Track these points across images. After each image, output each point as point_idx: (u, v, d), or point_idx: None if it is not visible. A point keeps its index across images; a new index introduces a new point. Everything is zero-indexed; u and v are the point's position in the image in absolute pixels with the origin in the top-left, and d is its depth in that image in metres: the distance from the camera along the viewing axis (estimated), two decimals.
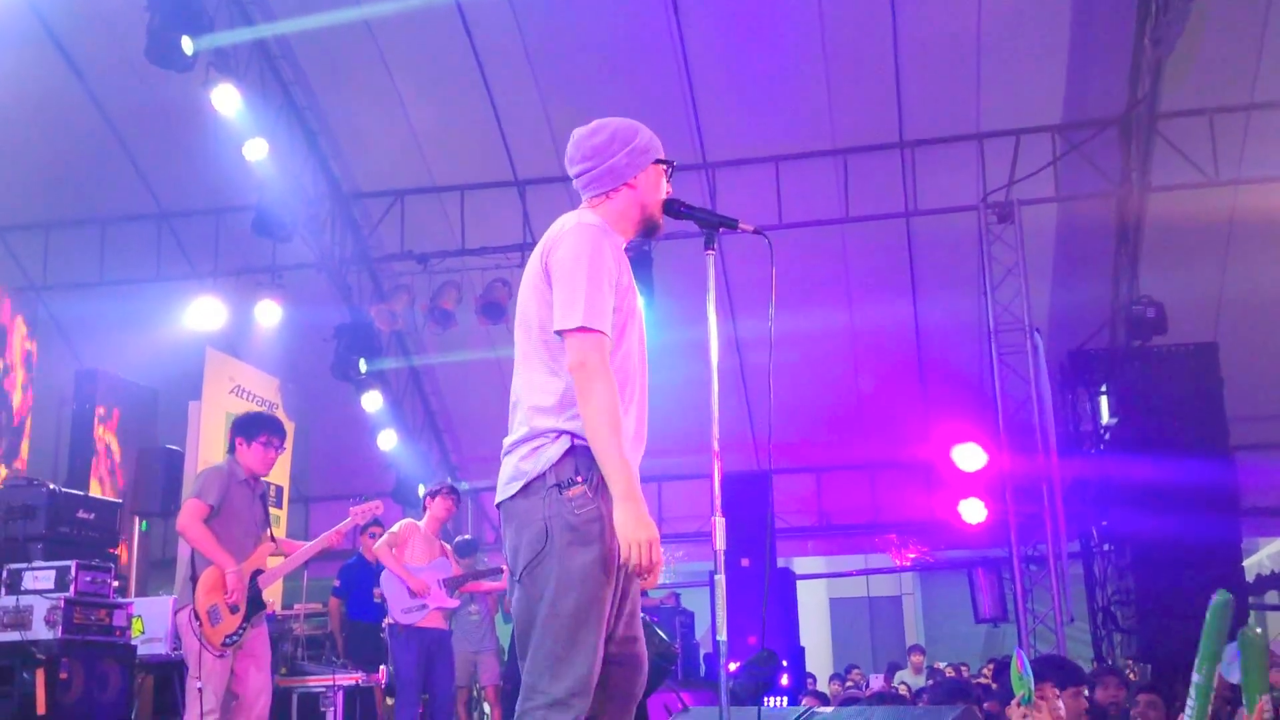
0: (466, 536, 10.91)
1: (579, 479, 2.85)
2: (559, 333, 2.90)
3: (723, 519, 2.85)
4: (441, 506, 7.66)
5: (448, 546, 7.86)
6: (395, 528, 7.62)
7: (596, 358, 2.85)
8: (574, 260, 2.95)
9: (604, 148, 3.13)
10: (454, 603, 7.60)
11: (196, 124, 10.50)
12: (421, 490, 8.15)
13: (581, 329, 2.85)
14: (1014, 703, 4.15)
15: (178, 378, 11.18)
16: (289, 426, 12.00)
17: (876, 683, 14.43)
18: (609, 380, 2.86)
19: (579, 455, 2.87)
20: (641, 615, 3.11)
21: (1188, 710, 3.27)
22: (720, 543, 2.83)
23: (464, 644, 8.86)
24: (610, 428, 2.82)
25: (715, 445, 2.87)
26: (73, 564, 6.35)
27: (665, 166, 3.18)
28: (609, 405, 2.83)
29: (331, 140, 11.76)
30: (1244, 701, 3.38)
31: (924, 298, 12.20)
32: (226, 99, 9.86)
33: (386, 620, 7.57)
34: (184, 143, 11.24)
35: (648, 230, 3.20)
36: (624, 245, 3.14)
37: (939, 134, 11.08)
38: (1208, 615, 3.26)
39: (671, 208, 3.17)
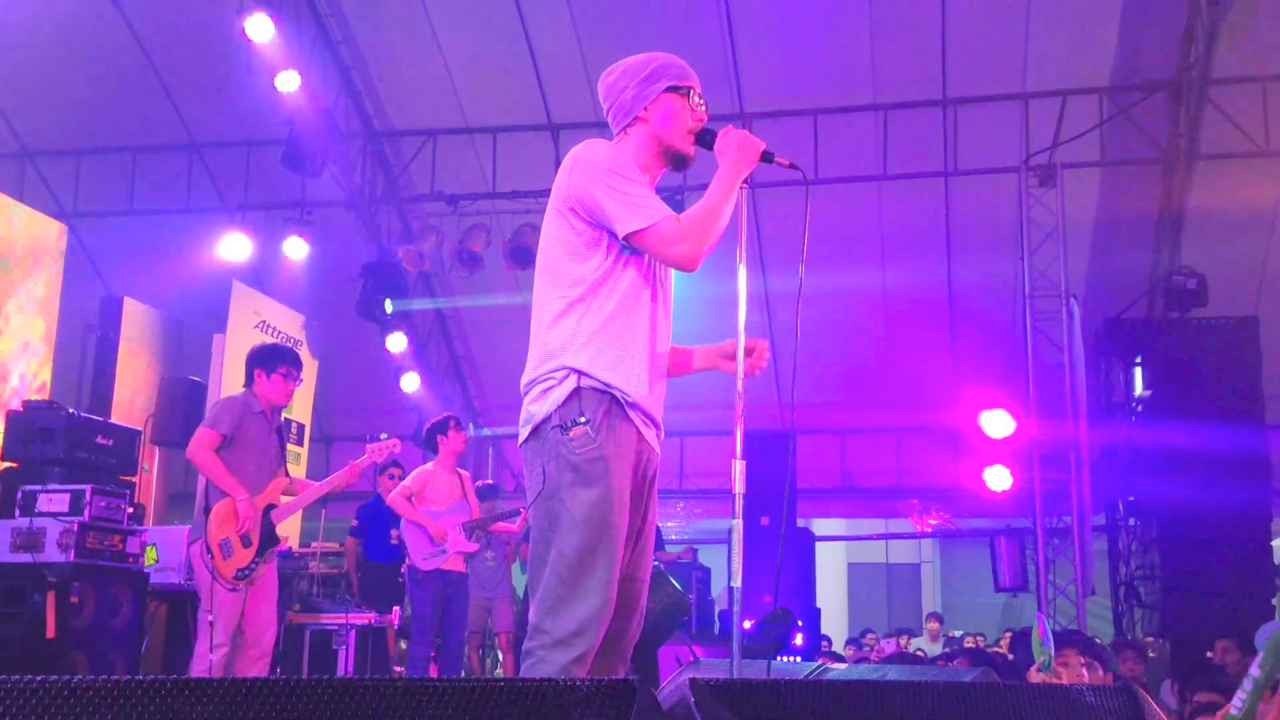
0: (488, 481, 10.88)
1: (582, 419, 2.81)
2: (628, 238, 2.86)
3: (743, 462, 2.75)
4: (457, 440, 7.57)
5: (466, 475, 7.74)
6: (408, 479, 7.55)
7: (671, 233, 2.84)
8: (594, 173, 2.88)
9: (616, 83, 3.09)
10: (473, 546, 7.54)
11: (230, 53, 10.39)
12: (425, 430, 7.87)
13: (641, 230, 2.84)
14: (1033, 669, 4.05)
15: (203, 310, 11.13)
16: (312, 364, 12.02)
17: (890, 648, 14.39)
18: (689, 226, 2.85)
19: (584, 395, 2.83)
20: (656, 564, 3.04)
21: (1237, 701, 3.19)
22: (739, 486, 2.72)
23: (479, 589, 8.83)
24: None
25: (740, 386, 2.76)
26: (87, 488, 6.31)
27: (684, 94, 3.05)
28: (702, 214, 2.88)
29: (365, 76, 11.63)
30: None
31: (959, 260, 11.99)
32: (260, 28, 9.73)
33: (405, 564, 7.54)
34: (217, 72, 11.13)
35: (675, 163, 3.08)
36: (653, 181, 3.03)
37: (983, 93, 10.83)
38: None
39: (702, 138, 3.03)
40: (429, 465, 7.64)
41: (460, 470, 7.67)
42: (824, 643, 12.92)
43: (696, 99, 3.07)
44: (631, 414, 2.87)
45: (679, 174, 3.24)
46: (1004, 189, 10.90)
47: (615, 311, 2.88)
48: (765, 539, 9.06)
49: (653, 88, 3.04)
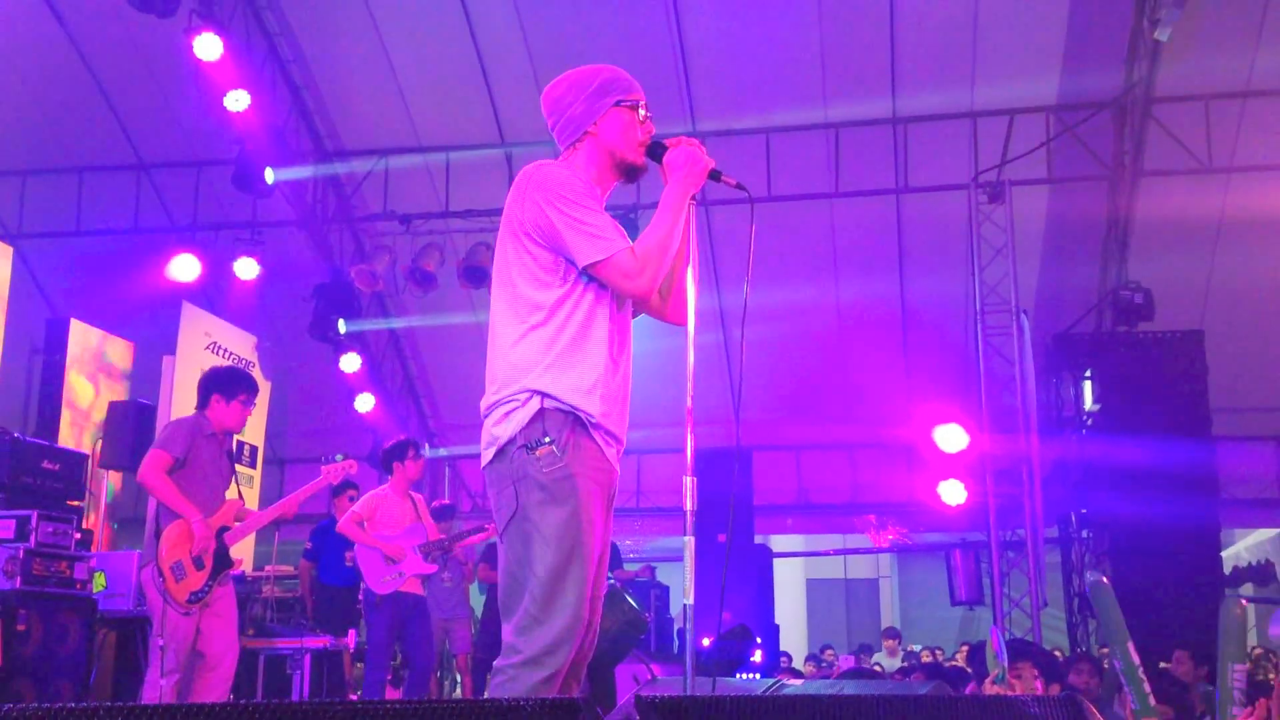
0: (445, 502, 10.80)
1: (547, 439, 2.81)
2: (587, 270, 2.88)
3: (694, 478, 2.75)
4: (414, 467, 7.48)
5: (419, 498, 7.64)
6: (359, 504, 7.45)
7: (628, 266, 2.86)
8: (550, 199, 2.89)
9: (563, 97, 3.08)
10: (431, 568, 7.42)
11: (178, 72, 10.31)
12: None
13: (599, 263, 2.86)
14: (988, 680, 4.07)
15: (153, 332, 11.00)
16: (265, 386, 11.87)
17: (849, 664, 14.43)
18: (644, 259, 2.87)
19: (548, 416, 2.83)
20: (611, 581, 3.04)
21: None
22: (690, 502, 2.73)
23: (436, 611, 8.75)
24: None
25: (689, 401, 2.76)
26: (33, 514, 6.21)
27: (633, 107, 3.06)
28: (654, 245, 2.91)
29: (316, 96, 11.57)
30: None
31: (911, 276, 12.10)
32: (209, 47, 9.65)
33: (363, 589, 7.43)
34: (165, 92, 11.05)
35: (625, 175, 3.09)
36: (603, 195, 3.04)
37: (932, 111, 10.95)
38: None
39: (652, 151, 3.04)
40: (381, 489, 7.52)
41: (413, 494, 7.58)
42: (784, 659, 12.93)
43: (644, 112, 3.08)
44: (595, 434, 2.88)
45: (631, 187, 3.25)
46: (954, 206, 11.02)
47: (577, 333, 2.89)
48: (721, 556, 9.07)
49: (602, 102, 3.04)
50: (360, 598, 7.71)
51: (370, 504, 7.36)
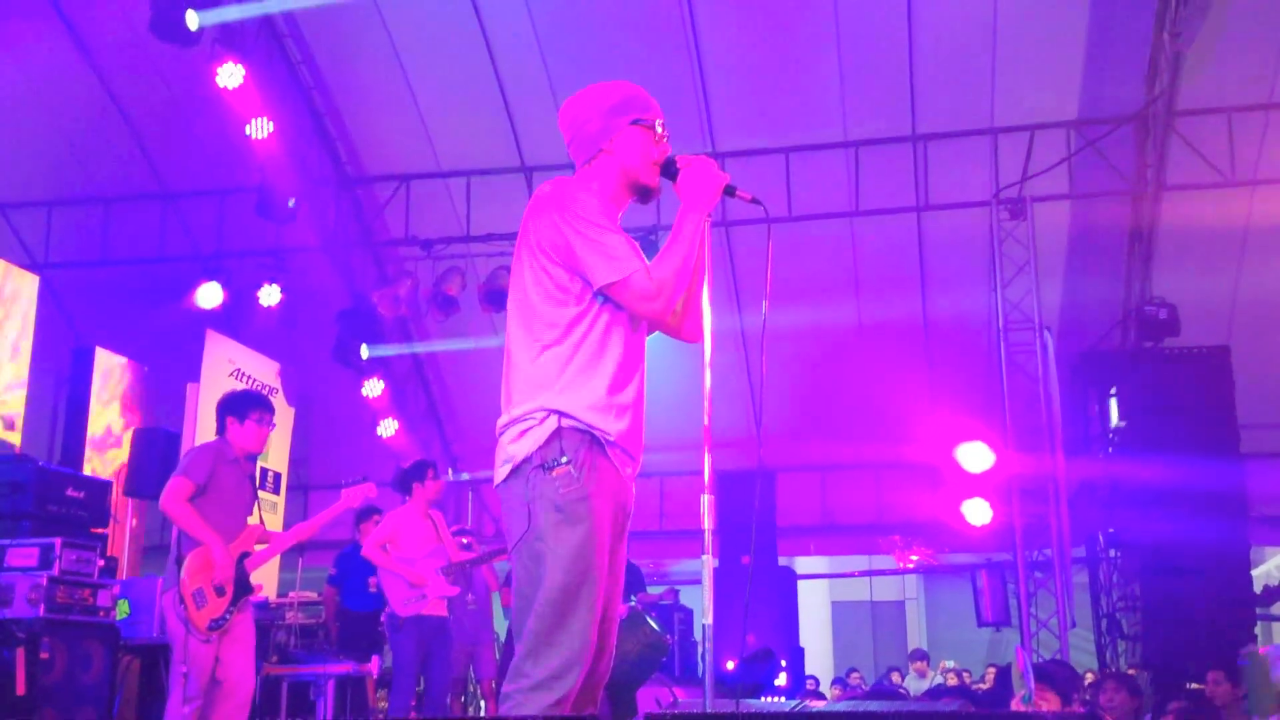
0: (464, 527, 10.78)
1: (564, 459, 2.79)
2: (602, 291, 2.86)
3: (712, 497, 2.73)
4: (433, 488, 7.45)
5: (439, 516, 7.59)
6: (381, 527, 7.42)
7: (643, 289, 2.85)
8: (566, 218, 2.89)
9: (580, 113, 3.07)
10: (454, 590, 7.38)
11: (201, 102, 10.39)
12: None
13: (614, 284, 2.85)
14: (1014, 701, 4.01)
15: (178, 359, 11.05)
16: (288, 412, 11.95)
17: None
18: (660, 281, 2.86)
19: (565, 435, 2.82)
20: (633, 603, 3.02)
21: None
22: (708, 521, 2.70)
23: (461, 634, 8.71)
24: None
25: (706, 419, 2.74)
26: (57, 541, 6.22)
27: (649, 126, 3.04)
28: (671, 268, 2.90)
29: (337, 122, 11.65)
30: None
31: (933, 294, 12.04)
32: (232, 76, 9.73)
33: (385, 612, 7.41)
34: (188, 121, 11.13)
35: (639, 195, 3.08)
36: (619, 212, 3.03)
37: (952, 128, 10.92)
38: None
39: (666, 169, 3.03)
40: (401, 509, 7.47)
41: (433, 514, 7.56)
42: (810, 682, 12.84)
43: (660, 131, 3.06)
44: (610, 453, 2.87)
45: (650, 207, 3.25)
46: (975, 223, 10.97)
47: (593, 352, 2.89)
48: (744, 579, 9.01)
49: (618, 120, 3.03)
50: (383, 620, 7.68)
51: (392, 526, 7.34)
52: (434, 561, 7.25)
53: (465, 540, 8.91)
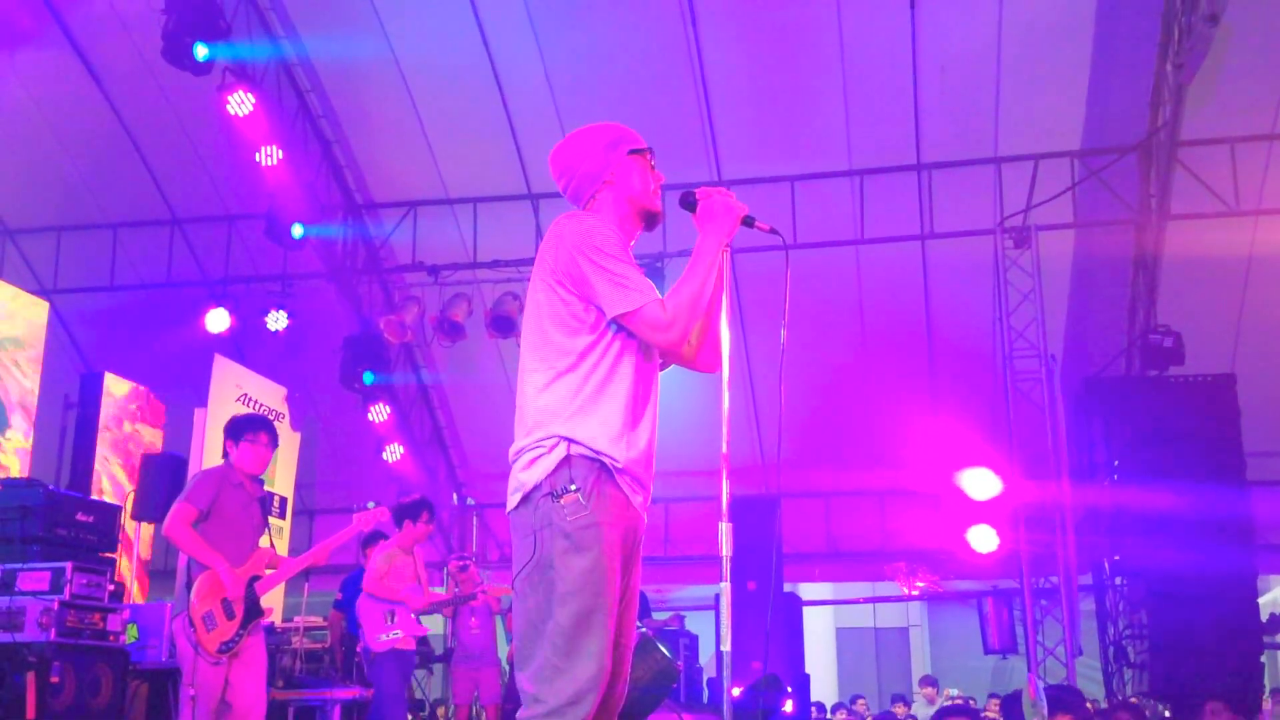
0: (465, 555, 10.78)
1: (573, 486, 2.81)
2: (615, 319, 2.89)
3: (730, 524, 2.75)
4: (424, 530, 7.49)
5: (419, 557, 7.61)
6: (379, 561, 7.42)
7: (657, 319, 2.87)
8: (582, 248, 2.92)
9: (574, 156, 3.14)
10: (423, 630, 7.49)
11: (211, 129, 10.48)
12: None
13: (628, 314, 2.87)
14: None
15: (185, 384, 11.10)
16: (294, 437, 11.97)
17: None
18: (675, 311, 2.87)
19: (574, 463, 2.84)
20: (643, 630, 3.02)
21: None
22: (726, 548, 2.72)
23: (465, 660, 8.71)
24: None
25: (724, 447, 2.77)
26: (67, 566, 6.24)
27: (644, 155, 3.13)
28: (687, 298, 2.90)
29: (345, 149, 11.73)
30: None
31: (938, 322, 12.08)
32: (242, 103, 9.83)
33: (360, 646, 7.42)
34: (198, 148, 11.22)
35: (647, 222, 3.14)
36: (630, 240, 3.07)
37: (957, 157, 10.99)
38: None
39: (685, 201, 3.08)
40: (391, 544, 7.49)
41: (415, 550, 7.59)
42: (815, 710, 12.79)
43: (651, 160, 3.15)
44: (620, 480, 2.88)
45: (657, 235, 3.29)
46: (980, 251, 11.01)
47: (604, 380, 2.91)
48: (751, 604, 9.00)
49: (617, 153, 3.11)
50: (359, 653, 7.65)
51: (388, 560, 7.38)
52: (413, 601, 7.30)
53: (464, 564, 8.97)
